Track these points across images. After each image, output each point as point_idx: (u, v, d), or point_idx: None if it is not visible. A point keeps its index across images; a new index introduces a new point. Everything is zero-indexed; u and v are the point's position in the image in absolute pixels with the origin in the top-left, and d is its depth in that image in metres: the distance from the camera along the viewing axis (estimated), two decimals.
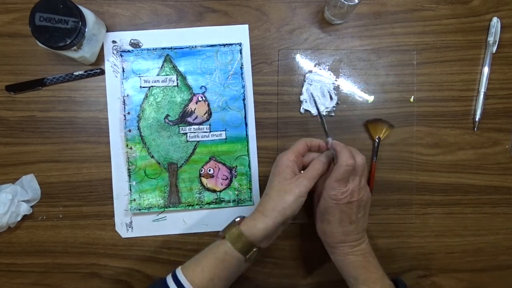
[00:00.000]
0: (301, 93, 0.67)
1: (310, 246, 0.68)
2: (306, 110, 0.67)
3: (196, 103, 0.67)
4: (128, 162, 0.66)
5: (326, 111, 0.67)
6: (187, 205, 0.66)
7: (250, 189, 0.67)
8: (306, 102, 0.67)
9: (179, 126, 0.66)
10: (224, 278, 0.54)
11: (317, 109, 0.60)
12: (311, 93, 0.66)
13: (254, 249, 0.54)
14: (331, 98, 0.67)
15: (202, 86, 0.67)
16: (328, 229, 0.56)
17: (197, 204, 0.66)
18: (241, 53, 0.67)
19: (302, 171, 0.58)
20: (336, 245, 0.56)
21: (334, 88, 0.67)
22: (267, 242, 0.56)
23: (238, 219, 0.56)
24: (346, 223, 0.55)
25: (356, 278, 0.55)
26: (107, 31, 0.66)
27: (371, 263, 0.56)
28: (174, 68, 0.66)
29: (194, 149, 0.67)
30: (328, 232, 0.56)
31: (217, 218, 0.66)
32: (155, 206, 0.66)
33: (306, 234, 0.68)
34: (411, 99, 0.67)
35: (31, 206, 0.65)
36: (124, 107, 0.66)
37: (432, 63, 0.68)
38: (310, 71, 0.67)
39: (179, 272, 0.54)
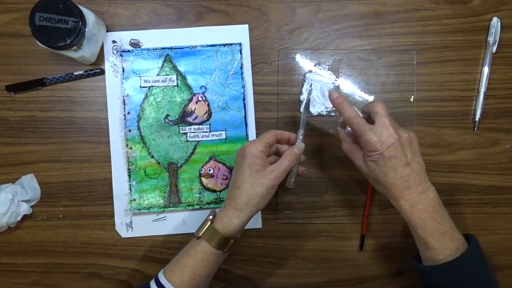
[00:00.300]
0: (301, 93, 0.67)
1: (310, 246, 0.68)
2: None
3: (196, 103, 0.67)
4: (128, 162, 0.66)
5: (326, 111, 0.67)
6: (187, 205, 0.66)
7: None
8: (312, 99, 0.67)
9: (179, 126, 0.66)
10: (205, 275, 0.54)
11: (307, 99, 0.61)
12: (310, 86, 0.65)
13: (231, 241, 0.55)
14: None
15: (202, 86, 0.67)
16: (387, 181, 0.53)
17: (197, 204, 0.66)
18: (241, 53, 0.67)
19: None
20: (402, 194, 0.52)
21: (334, 88, 0.67)
22: (242, 232, 0.56)
23: (211, 217, 0.55)
24: (400, 167, 0.52)
25: (424, 230, 0.52)
26: (107, 31, 0.66)
27: (440, 213, 0.52)
28: (174, 68, 0.66)
29: (194, 149, 0.67)
30: (389, 185, 0.53)
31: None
32: (155, 206, 0.66)
33: (306, 234, 0.68)
34: (411, 99, 0.67)
35: (31, 206, 0.65)
36: (124, 107, 0.66)
37: (432, 63, 0.68)
38: (310, 71, 0.67)
39: (161, 275, 0.54)
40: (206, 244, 0.53)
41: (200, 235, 0.54)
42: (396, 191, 0.53)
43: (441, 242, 0.51)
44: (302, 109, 0.66)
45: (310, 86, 0.66)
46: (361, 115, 0.55)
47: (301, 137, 0.59)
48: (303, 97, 0.66)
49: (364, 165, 0.55)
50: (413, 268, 0.56)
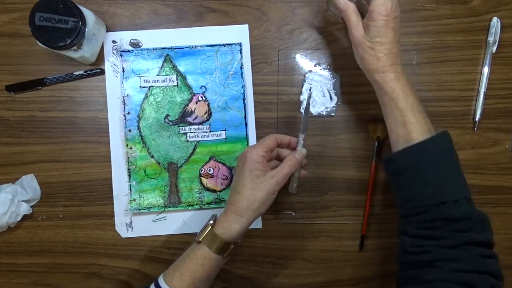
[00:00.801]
0: (301, 93, 0.67)
1: (310, 246, 0.68)
2: None
3: (196, 103, 0.67)
4: (128, 162, 0.66)
5: (326, 111, 0.67)
6: (187, 205, 0.66)
7: None
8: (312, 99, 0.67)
9: (179, 126, 0.66)
10: (205, 280, 0.54)
11: (307, 103, 0.60)
12: (309, 90, 0.65)
13: (232, 246, 0.55)
14: (331, 98, 0.67)
15: (202, 86, 0.67)
16: (381, 51, 0.54)
17: (197, 204, 0.66)
18: (241, 53, 0.67)
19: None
20: (391, 67, 0.54)
21: (334, 88, 0.67)
22: (242, 237, 0.56)
23: (212, 221, 0.55)
24: (395, 42, 0.54)
25: (405, 103, 0.53)
26: (107, 31, 0.66)
27: (414, 93, 0.55)
28: (174, 68, 0.66)
29: (194, 149, 0.67)
30: (381, 55, 0.54)
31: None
32: (155, 206, 0.66)
33: (306, 234, 0.68)
34: None
35: (31, 206, 0.65)
36: (124, 107, 0.66)
37: (432, 63, 0.68)
38: (310, 71, 0.67)
39: (161, 280, 0.54)
40: (206, 249, 0.53)
41: (200, 239, 0.54)
42: (386, 63, 0.54)
43: (417, 117, 0.53)
44: (302, 110, 0.65)
45: (310, 90, 0.66)
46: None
47: (302, 141, 0.59)
48: (303, 97, 0.66)
49: (362, 30, 0.55)
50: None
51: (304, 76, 0.67)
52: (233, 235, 0.54)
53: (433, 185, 0.51)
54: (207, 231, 0.54)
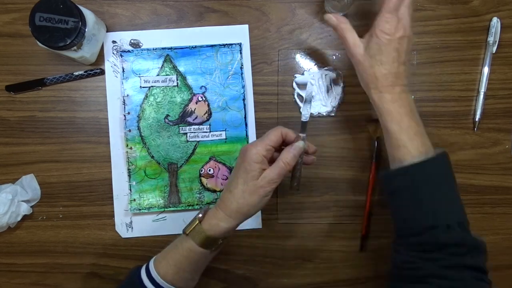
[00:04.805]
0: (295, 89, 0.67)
1: (310, 246, 0.68)
2: None
3: (196, 103, 0.67)
4: (128, 162, 0.66)
5: (326, 111, 0.67)
6: (187, 205, 0.66)
7: None
8: (312, 98, 0.67)
9: (179, 126, 0.66)
10: (191, 271, 0.54)
11: (306, 99, 0.57)
12: (310, 92, 0.64)
13: (220, 242, 0.54)
14: (331, 97, 0.67)
15: (202, 86, 0.67)
16: (380, 71, 0.52)
17: (197, 204, 0.66)
18: (241, 53, 0.67)
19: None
20: (388, 88, 0.52)
21: (334, 88, 0.67)
22: (231, 233, 0.55)
23: (200, 215, 0.54)
24: (397, 63, 0.52)
25: (399, 125, 0.52)
26: (107, 31, 0.66)
27: (415, 115, 0.53)
28: (174, 68, 0.66)
29: (194, 149, 0.67)
30: (380, 74, 0.52)
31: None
32: (155, 206, 0.66)
33: (306, 234, 0.68)
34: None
35: (31, 206, 0.65)
36: (124, 107, 0.66)
37: (432, 63, 0.68)
38: (309, 70, 0.67)
39: (151, 262, 0.54)
40: (192, 243, 0.52)
41: (187, 232, 0.53)
42: (384, 83, 0.52)
43: (412, 141, 0.51)
44: (302, 110, 0.64)
45: (311, 89, 0.64)
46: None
47: (303, 137, 0.54)
48: (301, 92, 0.64)
49: (362, 47, 0.54)
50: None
51: (303, 74, 0.67)
52: (219, 233, 0.52)
53: (426, 208, 0.50)
54: (194, 225, 0.53)
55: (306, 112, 0.55)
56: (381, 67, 0.52)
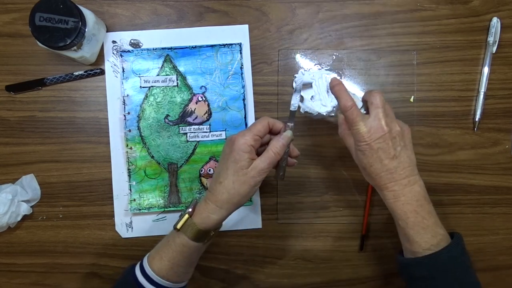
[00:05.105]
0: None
1: (310, 246, 0.68)
2: (306, 111, 0.67)
3: (196, 103, 0.67)
4: (128, 162, 0.66)
5: (326, 112, 0.67)
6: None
7: None
8: (311, 99, 0.67)
9: (179, 126, 0.66)
10: (184, 265, 0.54)
11: (298, 88, 0.57)
12: (300, 80, 0.62)
13: (212, 233, 0.54)
14: (331, 98, 0.67)
15: (202, 86, 0.67)
16: (372, 172, 0.53)
17: None
18: (241, 53, 0.67)
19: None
20: (386, 185, 0.53)
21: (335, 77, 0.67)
22: (222, 224, 0.55)
23: (190, 209, 0.53)
24: (387, 160, 0.52)
25: (405, 222, 0.52)
26: (107, 31, 0.66)
27: (424, 207, 0.52)
28: (174, 68, 0.66)
29: (194, 149, 0.67)
30: (374, 175, 0.53)
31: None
32: (155, 206, 0.66)
33: (306, 234, 0.68)
34: (411, 99, 0.67)
35: (31, 206, 0.65)
36: (124, 107, 0.66)
37: (432, 63, 0.68)
38: (309, 69, 0.67)
39: (145, 259, 0.54)
40: (185, 237, 0.52)
41: (179, 228, 0.53)
42: (381, 182, 0.53)
43: (421, 235, 0.51)
44: (292, 100, 0.59)
45: (301, 78, 0.62)
46: (360, 103, 0.55)
47: (290, 126, 0.55)
48: (295, 85, 0.62)
49: (354, 153, 0.55)
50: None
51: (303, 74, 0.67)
52: (211, 225, 0.52)
53: None
54: (185, 220, 0.53)
55: (295, 101, 0.56)
56: (371, 168, 0.53)
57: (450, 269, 0.51)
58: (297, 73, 0.67)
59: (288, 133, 0.54)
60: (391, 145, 0.52)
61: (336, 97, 0.55)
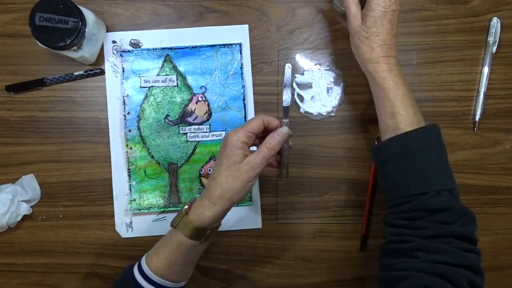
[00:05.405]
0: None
1: (310, 246, 0.68)
2: (306, 111, 0.67)
3: (196, 103, 0.67)
4: (128, 162, 0.66)
5: (326, 111, 0.67)
6: None
7: None
8: (311, 99, 0.67)
9: (179, 126, 0.66)
10: (182, 263, 0.54)
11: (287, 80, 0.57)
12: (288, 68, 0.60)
13: (208, 232, 0.53)
14: (331, 98, 0.67)
15: (202, 86, 0.67)
16: (376, 42, 0.55)
17: None
18: (241, 53, 0.67)
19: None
20: (385, 58, 0.55)
21: (334, 88, 0.67)
22: (219, 222, 0.55)
23: (186, 207, 0.54)
24: (390, 35, 0.55)
25: (397, 93, 0.54)
26: (107, 31, 0.66)
27: (407, 85, 0.55)
28: (174, 68, 0.66)
29: (194, 149, 0.67)
30: (376, 45, 0.55)
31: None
32: (155, 206, 0.66)
33: (306, 234, 0.68)
34: None
35: (31, 206, 0.65)
36: (124, 107, 0.66)
37: (432, 63, 0.68)
38: (309, 70, 0.67)
39: (143, 260, 0.54)
40: (181, 235, 0.52)
41: (175, 225, 0.53)
42: (380, 53, 0.55)
43: (407, 109, 0.53)
44: (284, 96, 0.58)
45: (289, 73, 0.60)
46: None
47: (286, 122, 0.54)
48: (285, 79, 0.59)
49: (359, 20, 0.57)
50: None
51: (303, 74, 0.67)
52: (206, 222, 0.52)
53: (415, 175, 0.51)
54: (181, 217, 0.53)
55: (287, 97, 0.56)
56: (376, 38, 0.55)
57: (427, 147, 0.52)
58: (297, 76, 0.67)
59: (284, 129, 0.53)
60: (395, 22, 0.56)
61: None
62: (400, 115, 0.53)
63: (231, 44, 0.66)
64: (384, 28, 0.55)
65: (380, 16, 0.54)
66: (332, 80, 0.67)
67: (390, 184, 0.54)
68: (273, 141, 0.52)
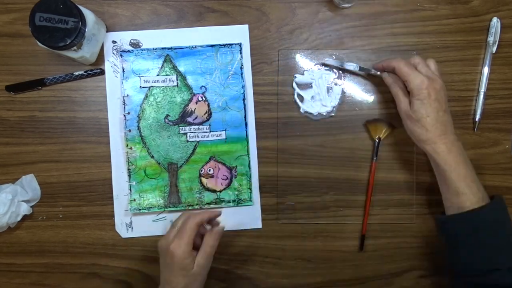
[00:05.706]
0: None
1: (310, 246, 0.68)
2: (306, 111, 0.67)
3: (196, 103, 0.67)
4: (128, 162, 0.66)
5: (326, 111, 0.67)
6: (187, 205, 0.66)
7: (250, 189, 0.67)
8: (311, 99, 0.67)
9: (179, 126, 0.66)
10: None
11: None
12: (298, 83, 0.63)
13: None
14: (331, 98, 0.67)
15: (202, 86, 0.67)
16: (429, 123, 0.56)
17: (197, 204, 0.66)
18: (241, 53, 0.67)
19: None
20: (441, 138, 0.56)
21: (334, 88, 0.67)
22: None
23: None
24: (441, 112, 0.56)
25: (459, 173, 0.55)
26: (107, 31, 0.66)
27: (467, 162, 0.56)
28: (174, 68, 0.66)
29: (194, 149, 0.67)
30: (430, 127, 0.56)
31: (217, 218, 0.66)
32: (155, 206, 0.66)
33: (306, 234, 0.68)
34: None
35: (31, 206, 0.65)
36: (124, 107, 0.66)
37: None
38: (309, 70, 0.67)
39: None
40: None
41: None
42: (435, 133, 0.56)
43: (470, 187, 0.54)
44: (318, 117, 0.63)
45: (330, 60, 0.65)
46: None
47: (220, 216, 0.61)
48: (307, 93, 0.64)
49: (409, 106, 0.58)
50: (413, 268, 0.57)
51: (303, 74, 0.67)
52: None
53: (488, 252, 0.53)
54: None
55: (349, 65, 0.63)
56: (428, 119, 0.56)
57: (492, 224, 0.53)
58: (297, 76, 0.67)
59: (220, 228, 0.59)
60: (444, 99, 0.57)
61: (386, 64, 0.60)
62: (464, 194, 0.54)
63: (231, 44, 0.67)
64: (432, 108, 0.56)
65: (425, 97, 0.56)
66: (332, 80, 0.67)
67: (460, 260, 0.56)
68: (211, 240, 0.57)
